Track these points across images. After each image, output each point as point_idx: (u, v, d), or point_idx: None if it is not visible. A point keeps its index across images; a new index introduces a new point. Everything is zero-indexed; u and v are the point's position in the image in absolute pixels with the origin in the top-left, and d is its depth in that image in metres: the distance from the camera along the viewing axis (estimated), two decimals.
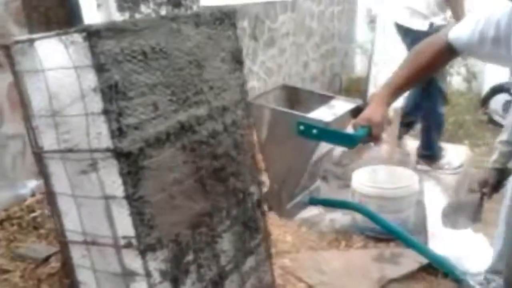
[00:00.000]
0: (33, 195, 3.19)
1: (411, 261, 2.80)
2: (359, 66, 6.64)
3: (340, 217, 3.28)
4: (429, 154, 4.01)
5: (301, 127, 1.63)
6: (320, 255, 2.93)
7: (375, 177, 3.09)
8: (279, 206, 1.90)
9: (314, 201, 1.97)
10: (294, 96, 1.94)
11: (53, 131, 1.48)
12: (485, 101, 5.06)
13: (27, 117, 1.51)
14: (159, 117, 1.53)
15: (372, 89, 5.18)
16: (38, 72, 1.44)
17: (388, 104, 1.72)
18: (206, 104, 1.71)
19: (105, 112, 1.36)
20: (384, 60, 5.14)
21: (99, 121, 1.39)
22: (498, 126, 5.27)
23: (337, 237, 3.11)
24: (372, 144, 1.76)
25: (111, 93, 1.36)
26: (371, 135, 1.68)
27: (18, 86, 1.49)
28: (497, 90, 5.08)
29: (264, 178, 1.94)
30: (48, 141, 1.51)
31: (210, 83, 1.72)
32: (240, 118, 1.88)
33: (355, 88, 6.05)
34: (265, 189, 1.95)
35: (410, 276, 2.71)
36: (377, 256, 2.88)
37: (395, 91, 1.74)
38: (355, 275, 2.73)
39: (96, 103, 1.37)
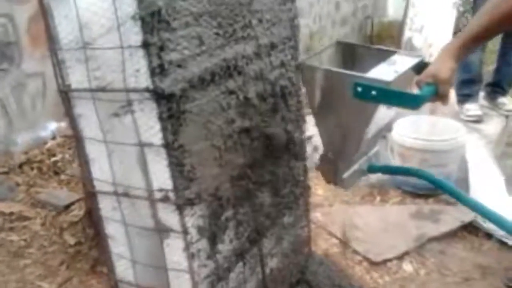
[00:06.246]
0: (53, 138, 3.05)
1: (451, 219, 2.65)
2: (391, 9, 6.24)
3: None
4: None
5: (359, 89, 1.43)
6: (354, 210, 2.78)
7: (418, 128, 2.89)
8: (335, 176, 1.72)
9: (373, 169, 1.79)
10: (349, 54, 1.72)
11: (83, 67, 1.28)
12: None
13: (53, 50, 1.30)
14: (204, 53, 1.31)
15: (408, 34, 4.84)
16: None
17: (459, 58, 1.50)
18: (254, 40, 1.49)
19: (145, 45, 1.15)
20: (423, 1, 4.77)
21: (137, 56, 1.18)
22: None
23: (372, 192, 2.95)
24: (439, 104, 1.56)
25: (153, 22, 1.14)
26: (437, 94, 1.49)
27: (43, 14, 1.28)
28: None
29: (319, 145, 1.76)
30: (76, 78, 1.31)
31: (259, 15, 1.49)
32: (289, 58, 1.66)
33: (388, 33, 5.72)
34: (319, 158, 1.79)
35: (451, 235, 2.57)
36: (415, 212, 2.72)
37: (468, 43, 1.51)
38: (391, 231, 2.59)
39: (135, 34, 1.16)
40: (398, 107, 1.55)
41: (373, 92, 1.42)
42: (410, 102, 1.45)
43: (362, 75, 1.49)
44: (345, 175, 1.73)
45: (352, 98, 1.45)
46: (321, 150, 1.78)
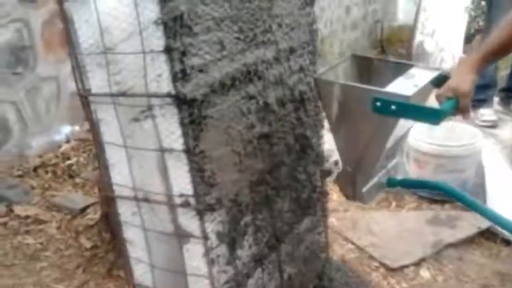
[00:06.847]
0: (68, 141, 3.06)
1: (468, 225, 2.61)
2: (401, 13, 6.22)
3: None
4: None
5: (378, 104, 1.41)
6: (370, 215, 2.76)
7: (433, 133, 2.85)
8: (354, 190, 1.70)
9: (392, 183, 1.76)
10: (365, 67, 1.70)
11: (104, 71, 1.27)
12: None
13: (73, 55, 1.30)
14: (225, 58, 1.31)
15: (419, 38, 4.80)
16: (87, 2, 1.22)
17: (479, 71, 1.49)
18: (274, 45, 1.48)
19: (168, 50, 1.14)
20: (434, 5, 4.73)
21: (159, 61, 1.17)
22: None
23: (388, 197, 2.92)
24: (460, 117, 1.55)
25: (175, 27, 1.13)
26: (458, 108, 1.47)
27: (63, 18, 1.28)
28: None
29: (337, 159, 1.75)
30: (97, 82, 1.31)
31: (278, 20, 1.48)
32: (308, 63, 1.64)
33: (398, 37, 5.69)
34: (337, 172, 1.78)
35: (468, 241, 2.54)
36: (431, 218, 2.69)
37: (488, 57, 1.51)
38: (408, 237, 2.56)
39: (157, 39, 1.15)
40: (418, 121, 1.53)
41: (393, 107, 1.40)
42: (431, 117, 1.43)
43: (381, 89, 1.47)
44: (364, 189, 1.70)
45: (371, 112, 1.43)
46: (337, 161, 1.76)
